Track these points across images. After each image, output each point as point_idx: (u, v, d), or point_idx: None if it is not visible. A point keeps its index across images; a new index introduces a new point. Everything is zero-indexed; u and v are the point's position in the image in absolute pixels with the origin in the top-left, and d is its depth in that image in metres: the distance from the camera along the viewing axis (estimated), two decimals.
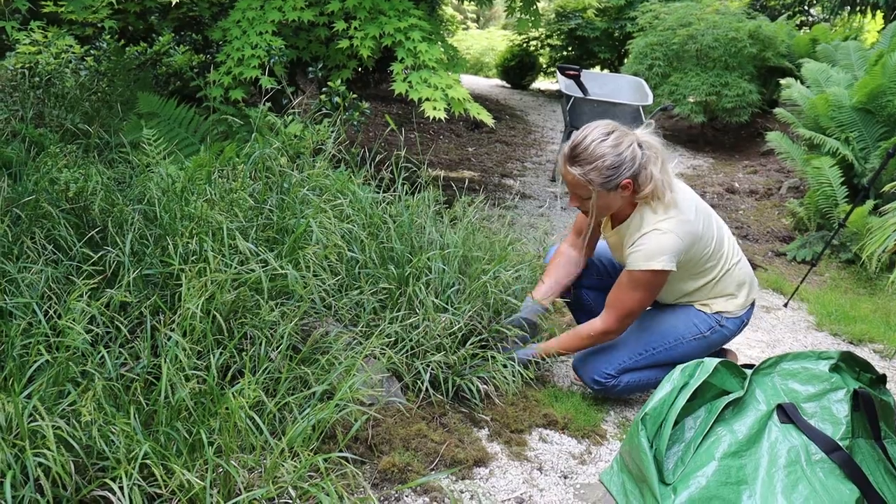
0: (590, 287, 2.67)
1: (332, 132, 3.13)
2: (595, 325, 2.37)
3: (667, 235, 2.20)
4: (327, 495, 1.59)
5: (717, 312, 2.38)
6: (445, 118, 3.58)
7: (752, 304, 2.47)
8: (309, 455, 1.69)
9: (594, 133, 2.20)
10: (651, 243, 2.20)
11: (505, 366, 2.35)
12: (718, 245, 2.34)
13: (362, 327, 2.30)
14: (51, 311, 1.92)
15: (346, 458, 1.78)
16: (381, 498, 1.85)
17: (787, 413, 1.73)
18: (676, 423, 1.78)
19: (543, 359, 2.45)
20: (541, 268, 2.77)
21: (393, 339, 2.28)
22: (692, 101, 6.95)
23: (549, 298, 2.54)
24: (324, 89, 3.64)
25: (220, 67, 3.77)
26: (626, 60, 7.87)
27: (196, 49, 5.03)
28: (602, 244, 2.62)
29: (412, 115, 7.03)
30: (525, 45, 11.07)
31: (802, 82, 5.61)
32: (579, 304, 2.71)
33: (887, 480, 1.67)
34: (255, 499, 1.59)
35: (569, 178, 2.25)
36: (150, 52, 5.06)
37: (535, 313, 2.50)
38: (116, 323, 1.92)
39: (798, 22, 9.40)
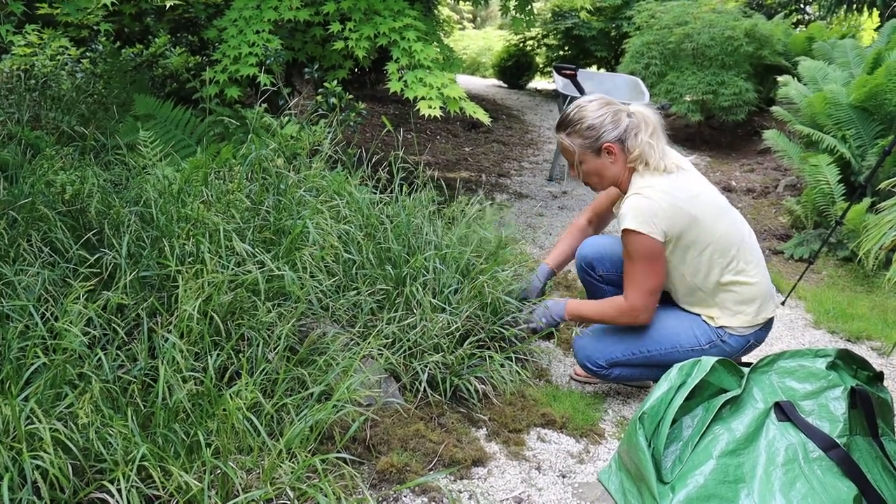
0: (609, 283, 2.65)
1: (329, 133, 3.13)
2: (619, 301, 2.36)
3: (642, 198, 2.22)
4: (325, 496, 1.59)
5: (720, 327, 2.34)
6: (442, 117, 3.58)
7: (766, 327, 2.41)
8: (307, 456, 1.69)
9: (579, 101, 2.40)
10: (628, 204, 2.25)
11: (502, 365, 2.35)
12: (725, 246, 2.28)
13: (360, 328, 2.30)
14: (47, 314, 1.91)
15: (343, 459, 1.78)
16: (380, 498, 1.85)
17: (785, 411, 1.74)
18: (674, 421, 1.78)
19: (565, 321, 2.49)
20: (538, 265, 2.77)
21: (390, 339, 2.28)
22: (689, 99, 6.94)
23: (560, 264, 2.71)
24: (320, 90, 3.64)
25: (216, 66, 3.76)
26: (622, 59, 7.86)
27: (192, 51, 5.03)
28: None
29: (409, 115, 7.03)
30: (521, 44, 11.07)
31: (799, 80, 5.61)
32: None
33: (885, 478, 1.67)
34: (252, 500, 1.59)
35: (559, 145, 2.43)
36: (146, 53, 5.06)
37: (545, 275, 2.66)
38: (113, 325, 1.92)
39: (794, 20, 9.41)
